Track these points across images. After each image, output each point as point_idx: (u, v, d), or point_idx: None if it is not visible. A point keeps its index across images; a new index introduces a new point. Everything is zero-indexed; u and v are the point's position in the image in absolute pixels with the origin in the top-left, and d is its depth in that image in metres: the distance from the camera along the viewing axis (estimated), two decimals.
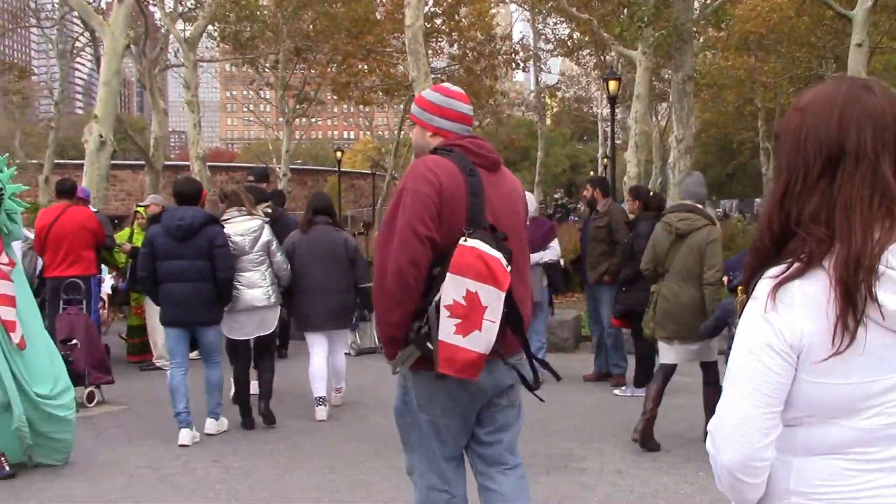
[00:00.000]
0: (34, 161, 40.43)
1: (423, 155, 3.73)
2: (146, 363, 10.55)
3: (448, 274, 3.38)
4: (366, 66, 29.38)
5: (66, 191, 9.99)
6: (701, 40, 24.95)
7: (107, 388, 8.57)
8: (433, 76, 30.44)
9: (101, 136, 15.47)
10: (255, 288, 7.53)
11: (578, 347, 11.46)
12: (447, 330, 3.38)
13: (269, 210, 9.11)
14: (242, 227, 7.54)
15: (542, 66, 36.43)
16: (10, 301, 6.11)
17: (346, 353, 10.91)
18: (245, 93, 48.54)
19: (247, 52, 31.91)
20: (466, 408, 3.73)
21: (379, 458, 6.59)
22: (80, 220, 9.62)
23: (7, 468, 6.07)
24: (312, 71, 32.89)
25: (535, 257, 9.15)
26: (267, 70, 35.62)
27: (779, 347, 1.71)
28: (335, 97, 33.66)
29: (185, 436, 7.03)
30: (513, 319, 3.54)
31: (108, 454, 6.82)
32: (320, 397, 7.98)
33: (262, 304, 7.54)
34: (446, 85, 3.95)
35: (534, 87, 39.93)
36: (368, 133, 55.94)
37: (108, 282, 11.13)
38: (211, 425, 7.38)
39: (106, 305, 11.27)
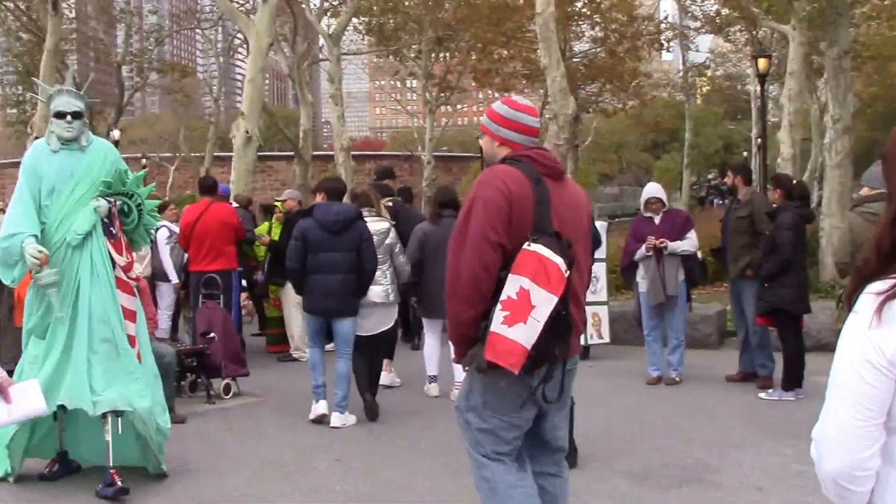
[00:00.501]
0: (196, 154, 42.07)
1: (493, 163, 3.95)
2: (284, 354, 10.71)
3: (510, 274, 3.60)
4: (506, 53, 29.07)
5: (209, 188, 10.25)
6: (863, 10, 23.41)
7: (242, 380, 8.71)
8: (574, 60, 30.07)
9: (247, 132, 15.77)
10: (377, 285, 7.85)
11: (723, 344, 10.90)
12: (497, 321, 3.58)
13: (391, 204, 9.29)
14: (372, 228, 7.80)
15: (690, 44, 35.19)
16: (132, 316, 6.09)
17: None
18: (392, 83, 48.96)
19: (390, 43, 32.16)
20: (524, 407, 3.81)
21: None
22: (222, 217, 9.84)
23: (120, 483, 5.69)
24: (454, 59, 32.83)
25: (672, 247, 8.78)
26: (410, 60, 35.82)
27: (878, 363, 1.75)
28: (476, 84, 33.49)
29: (321, 406, 7.54)
30: (561, 325, 3.65)
31: (237, 448, 6.89)
32: (432, 375, 8.58)
33: (381, 300, 7.94)
34: (516, 98, 4.18)
35: (681, 66, 38.66)
36: None
37: None
38: (336, 419, 7.48)
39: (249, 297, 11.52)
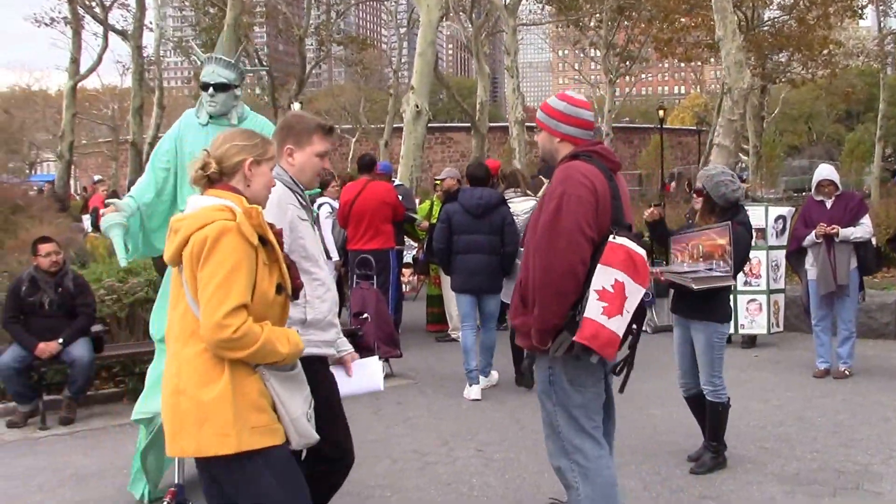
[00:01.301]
0: (376, 126, 42.89)
1: (552, 159, 4.19)
2: (442, 334, 10.67)
3: (599, 265, 3.79)
4: (689, 21, 27.99)
5: (366, 166, 10.26)
6: None
7: (395, 361, 8.70)
8: (763, 28, 28.64)
9: (416, 106, 15.82)
10: None
11: None
12: (595, 310, 3.77)
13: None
14: (519, 208, 8.28)
15: (888, 10, 32.83)
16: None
17: (643, 331, 10.50)
18: (575, 52, 48.31)
19: (570, 13, 31.61)
20: (601, 384, 4.15)
21: (646, 461, 6.09)
22: (381, 195, 9.82)
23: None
24: (636, 29, 31.94)
25: (844, 234, 8.17)
26: (591, 30, 35.16)
27: None
28: (658, 54, 32.50)
29: (475, 391, 7.86)
30: (640, 313, 3.90)
31: (381, 433, 6.86)
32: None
33: None
34: (570, 93, 4.27)
35: (877, 33, 36.13)
36: (697, 89, 53.80)
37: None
38: (482, 381, 7.99)
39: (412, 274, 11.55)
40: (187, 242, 3.10)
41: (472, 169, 8.52)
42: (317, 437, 3.35)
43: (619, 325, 3.77)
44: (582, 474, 4.04)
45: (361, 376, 4.25)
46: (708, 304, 5.79)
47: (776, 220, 10.03)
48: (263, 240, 3.17)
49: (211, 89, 5.36)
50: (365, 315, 8.46)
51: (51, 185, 30.59)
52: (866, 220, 8.38)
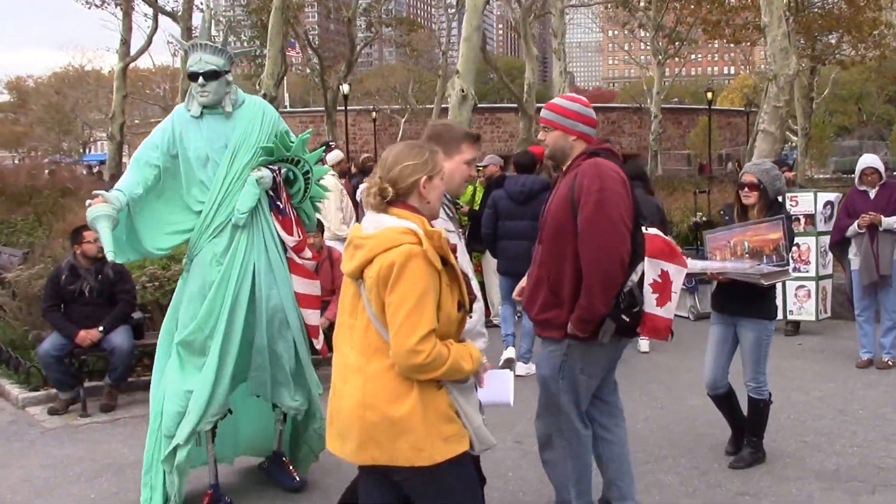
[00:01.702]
0: (424, 107, 42.85)
1: (565, 156, 4.40)
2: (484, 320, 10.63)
3: (647, 258, 4.19)
4: (738, 2, 27.48)
5: None
6: None
7: None
8: (813, 10, 28.02)
9: (462, 91, 15.75)
10: None
11: None
12: (650, 303, 4.24)
13: None
14: None
15: None
16: (316, 303, 5.33)
17: (683, 317, 10.45)
18: (625, 32, 47.88)
19: None
20: (609, 369, 4.55)
21: (685, 455, 6.04)
22: None
23: (297, 478, 5.56)
24: (684, 10, 31.48)
25: (887, 223, 8.11)
26: (640, 11, 34.76)
27: None
28: (706, 35, 32.00)
29: (510, 352, 8.48)
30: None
31: None
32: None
33: None
34: (575, 94, 4.62)
35: None
36: (747, 70, 52.95)
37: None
38: (521, 368, 8.16)
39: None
40: (371, 262, 3.19)
41: (517, 157, 8.96)
42: (494, 441, 3.47)
43: (669, 309, 4.40)
44: (573, 454, 4.46)
45: (492, 387, 4.14)
46: (757, 301, 5.64)
47: (825, 205, 9.88)
48: (444, 260, 3.23)
49: (200, 79, 5.01)
50: None
51: (102, 165, 31.01)
52: None
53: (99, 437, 6.78)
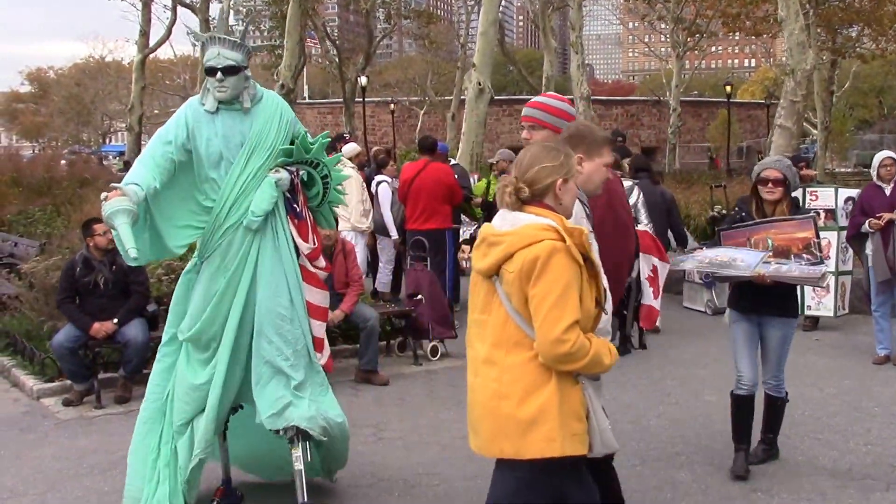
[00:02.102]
0: (442, 98, 42.77)
1: None
2: None
3: (641, 254, 4.59)
4: None
5: (427, 147, 10.30)
6: None
7: (451, 341, 8.68)
8: (833, 2, 27.74)
9: (479, 84, 15.72)
10: None
11: None
12: (649, 295, 4.78)
13: None
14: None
15: None
16: (324, 314, 5.09)
17: (700, 311, 10.39)
18: (645, 24, 47.68)
19: None
20: None
21: (699, 451, 5.98)
22: (439, 177, 9.85)
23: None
24: (704, 2, 31.26)
25: None
26: (660, 3, 34.57)
27: None
28: (726, 28, 31.79)
29: None
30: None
31: (433, 417, 6.84)
32: None
33: None
34: (554, 94, 4.64)
35: None
36: (768, 62, 52.58)
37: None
38: None
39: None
40: (510, 258, 3.26)
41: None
42: (617, 446, 3.53)
43: (660, 302, 5.06)
44: None
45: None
46: (786, 300, 5.52)
47: (846, 201, 9.79)
48: (585, 256, 3.32)
49: (219, 74, 4.73)
50: (419, 296, 8.46)
51: (121, 156, 31.16)
52: None
53: (113, 429, 6.76)
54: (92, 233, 7.51)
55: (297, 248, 4.87)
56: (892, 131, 52.57)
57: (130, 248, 4.34)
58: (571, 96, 41.39)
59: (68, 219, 14.50)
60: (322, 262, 5.05)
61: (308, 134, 5.04)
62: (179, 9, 32.22)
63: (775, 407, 5.72)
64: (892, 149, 35.30)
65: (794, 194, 5.79)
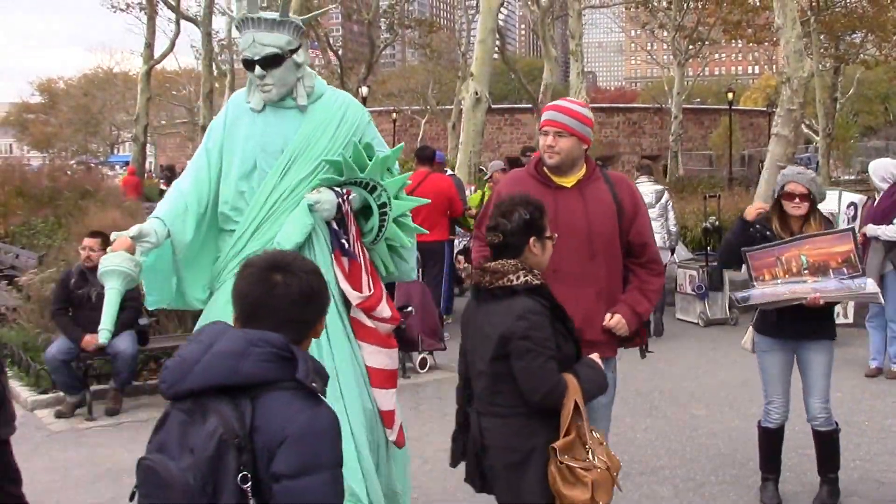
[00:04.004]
0: (442, 107, 42.79)
1: (572, 163, 4.12)
2: None
3: None
4: (758, 2, 27.28)
5: (427, 158, 10.31)
6: None
7: (440, 353, 8.67)
8: (837, 8, 27.70)
9: (476, 93, 15.72)
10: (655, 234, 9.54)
11: None
12: None
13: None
14: (649, 189, 9.86)
15: None
16: (392, 380, 3.92)
17: (693, 323, 10.36)
18: (647, 31, 47.76)
19: None
20: None
21: (682, 465, 5.95)
22: (440, 188, 9.87)
23: None
24: (705, 10, 31.29)
25: (871, 231, 7.91)
26: (661, 11, 34.60)
27: None
28: (727, 36, 31.79)
29: None
30: None
31: (418, 430, 6.75)
32: None
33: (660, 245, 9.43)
34: (577, 100, 4.50)
35: None
36: (771, 69, 52.53)
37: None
38: None
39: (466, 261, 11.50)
40: None
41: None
42: None
43: None
44: None
45: None
46: (824, 321, 5.10)
47: (848, 206, 9.71)
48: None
49: (257, 68, 3.71)
50: (410, 308, 8.43)
51: (128, 165, 31.26)
52: None
53: (101, 441, 6.79)
54: (84, 247, 7.52)
55: (344, 296, 3.77)
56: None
57: (102, 329, 3.61)
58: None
59: (69, 230, 14.49)
60: (386, 310, 3.87)
61: (373, 146, 3.92)
62: (183, 22, 32.41)
63: (831, 442, 5.22)
64: None
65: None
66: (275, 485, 2.17)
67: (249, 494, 2.14)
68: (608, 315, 4.09)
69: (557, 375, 3.26)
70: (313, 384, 2.26)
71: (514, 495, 3.34)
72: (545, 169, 4.17)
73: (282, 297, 2.32)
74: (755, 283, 5.04)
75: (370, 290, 3.77)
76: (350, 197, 3.75)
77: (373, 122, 4.03)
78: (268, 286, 2.32)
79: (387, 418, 3.86)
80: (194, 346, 2.28)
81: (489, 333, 3.31)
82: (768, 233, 5.14)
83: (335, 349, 3.67)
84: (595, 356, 3.55)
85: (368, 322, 3.78)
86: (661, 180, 9.27)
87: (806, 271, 4.93)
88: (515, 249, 3.36)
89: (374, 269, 3.89)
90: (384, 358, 3.85)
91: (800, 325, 5.01)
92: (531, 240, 3.37)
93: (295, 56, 3.77)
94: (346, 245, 3.72)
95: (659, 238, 9.43)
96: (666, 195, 10.23)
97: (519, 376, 3.25)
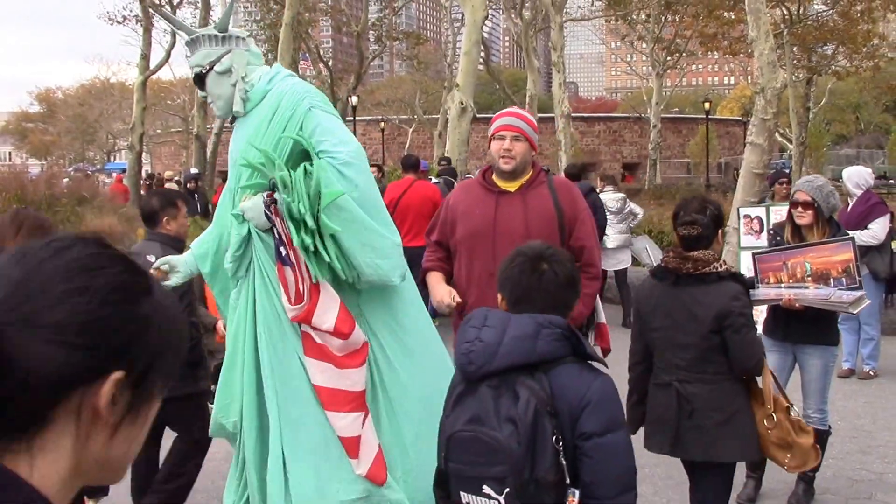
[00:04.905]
0: (429, 117, 42.82)
1: (523, 170, 4.16)
2: None
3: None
4: (733, 16, 27.39)
5: (412, 165, 10.26)
6: None
7: None
8: (809, 21, 27.84)
9: (461, 103, 15.71)
10: (619, 234, 10.57)
11: None
12: (602, 314, 4.41)
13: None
14: (612, 197, 10.66)
15: None
16: (350, 402, 3.35)
17: None
18: (626, 43, 47.96)
19: (619, 8, 31.22)
20: None
21: (661, 464, 5.91)
22: (426, 194, 9.82)
23: None
24: (682, 23, 31.41)
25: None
26: (640, 24, 34.72)
27: None
28: (703, 48, 31.92)
29: None
30: None
31: None
32: None
33: (613, 245, 10.43)
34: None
35: None
36: (746, 80, 52.78)
37: None
38: None
39: None
40: None
41: (567, 168, 11.03)
42: None
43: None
44: None
45: None
46: (823, 326, 5.06)
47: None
48: None
49: (198, 90, 3.73)
50: None
51: (123, 173, 31.08)
52: (877, 225, 7.79)
53: None
54: None
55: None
56: (868, 146, 52.77)
57: None
58: (553, 114, 41.80)
59: None
60: (328, 320, 3.27)
61: (320, 133, 3.42)
62: (178, 34, 32.19)
63: (822, 441, 5.02)
64: (868, 163, 35.26)
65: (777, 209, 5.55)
66: (585, 443, 2.45)
67: (562, 454, 2.41)
68: None
69: (763, 346, 3.89)
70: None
71: (719, 450, 3.87)
72: (493, 174, 4.25)
73: (549, 282, 2.60)
74: (759, 285, 5.01)
75: (307, 299, 3.26)
76: (273, 200, 3.27)
77: (319, 109, 3.51)
78: (538, 273, 2.60)
79: (348, 446, 3.31)
80: (490, 332, 2.49)
81: (698, 312, 3.81)
82: (779, 239, 5.28)
83: (283, 364, 3.41)
84: None
85: (317, 337, 3.32)
86: (621, 188, 10.09)
87: (809, 278, 4.90)
88: (707, 240, 3.86)
89: (311, 278, 3.29)
90: (334, 377, 3.30)
91: (797, 329, 5.02)
92: (719, 232, 3.91)
93: (216, 67, 3.58)
94: (283, 252, 3.27)
95: (623, 238, 10.60)
96: (628, 202, 11.04)
97: (735, 347, 3.75)
